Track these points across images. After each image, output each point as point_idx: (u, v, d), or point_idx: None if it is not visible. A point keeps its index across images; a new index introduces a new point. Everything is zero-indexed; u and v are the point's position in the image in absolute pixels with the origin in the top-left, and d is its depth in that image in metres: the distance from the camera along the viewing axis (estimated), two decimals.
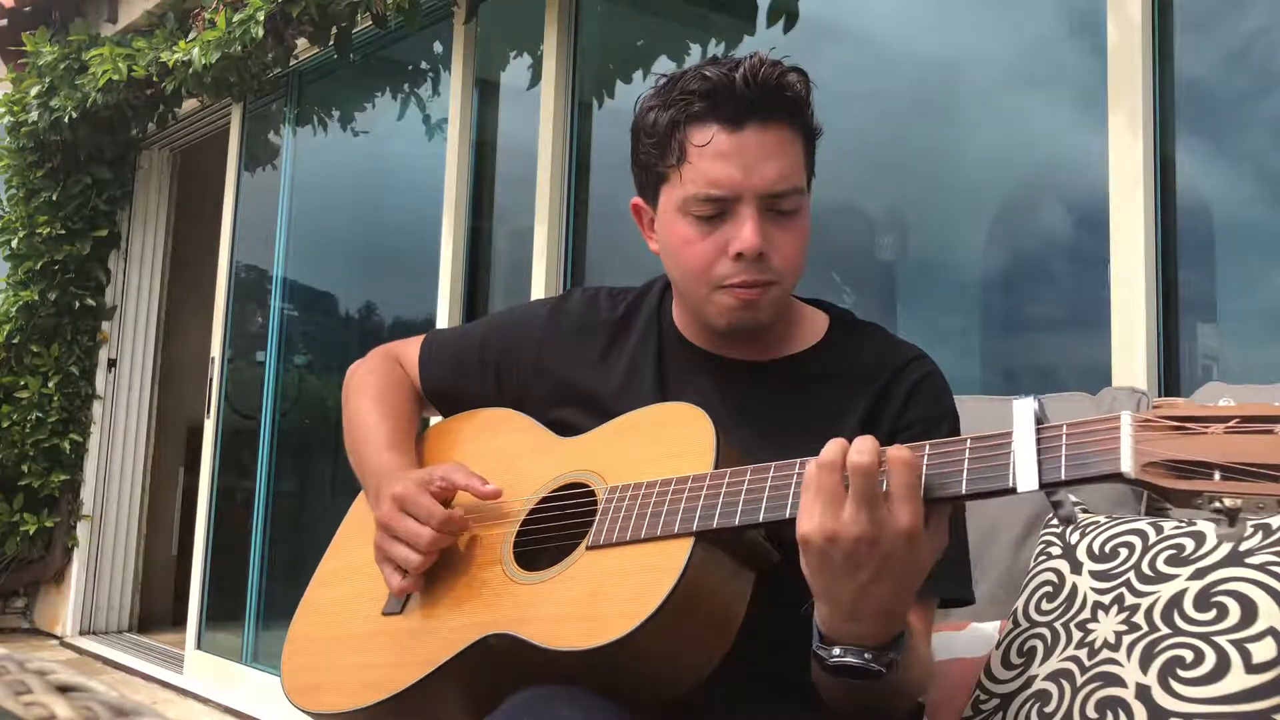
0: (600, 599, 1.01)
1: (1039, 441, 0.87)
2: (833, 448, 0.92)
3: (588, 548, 1.06)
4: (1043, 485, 0.86)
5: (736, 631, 1.01)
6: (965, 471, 0.90)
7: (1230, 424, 0.79)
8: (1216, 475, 0.78)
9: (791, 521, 0.98)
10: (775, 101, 1.12)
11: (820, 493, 0.91)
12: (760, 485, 1.00)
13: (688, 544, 0.99)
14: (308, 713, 1.18)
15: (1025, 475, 0.87)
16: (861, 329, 1.27)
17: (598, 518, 1.08)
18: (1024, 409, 0.89)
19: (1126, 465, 0.81)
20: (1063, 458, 0.85)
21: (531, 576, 1.09)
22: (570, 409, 1.26)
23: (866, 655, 0.95)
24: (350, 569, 1.27)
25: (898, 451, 0.90)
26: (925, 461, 0.91)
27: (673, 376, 1.25)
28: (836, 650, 0.95)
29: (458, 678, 1.09)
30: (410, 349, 1.43)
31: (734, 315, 1.16)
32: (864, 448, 0.90)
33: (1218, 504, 0.78)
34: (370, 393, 1.38)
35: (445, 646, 1.08)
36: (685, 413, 1.12)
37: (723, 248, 1.13)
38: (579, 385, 1.28)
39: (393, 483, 1.18)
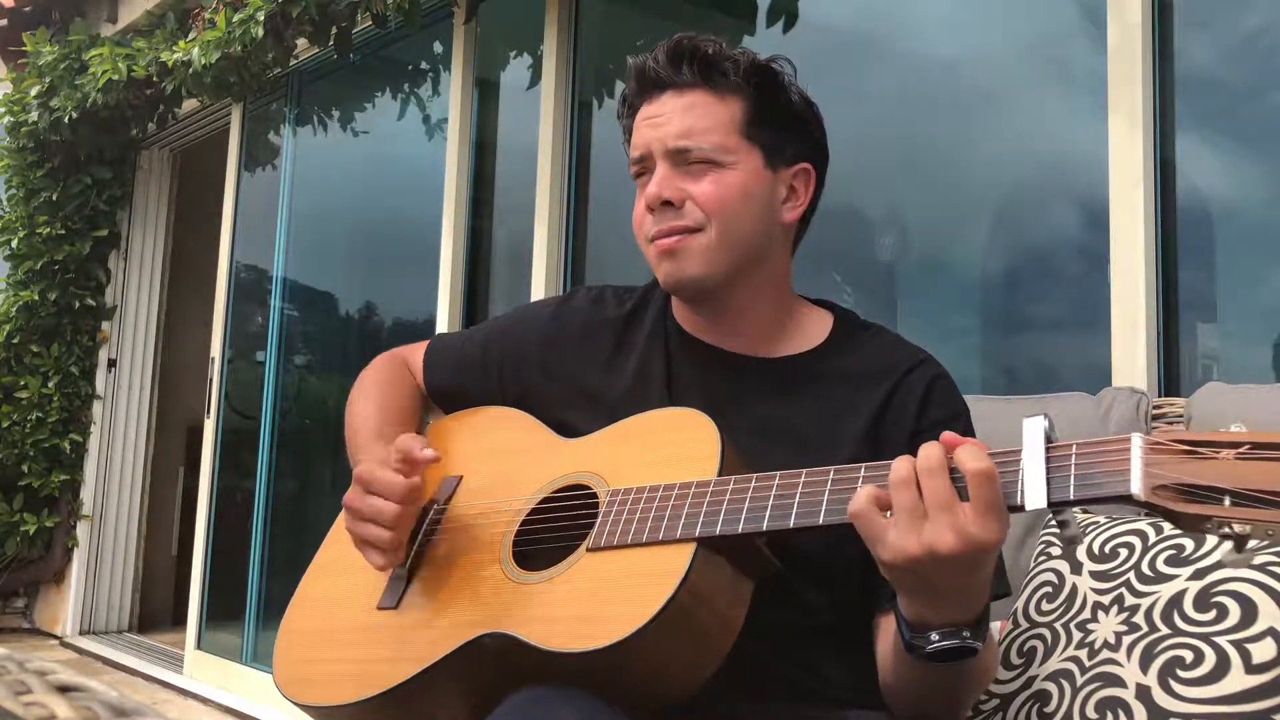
0: (599, 601, 1.01)
1: (1048, 460, 0.87)
2: (903, 464, 0.91)
3: (588, 550, 1.06)
4: (1051, 504, 0.86)
5: (735, 638, 1.00)
6: None
7: (1241, 450, 0.79)
8: (1226, 500, 0.78)
9: (795, 531, 0.97)
10: (688, 69, 1.21)
11: (902, 511, 0.90)
12: (765, 494, 1.00)
13: (689, 550, 0.99)
14: (299, 705, 1.17)
15: (1034, 493, 0.86)
16: (867, 330, 1.27)
17: (599, 520, 1.08)
18: (1034, 427, 0.88)
19: (1136, 487, 0.81)
20: (1071, 477, 0.85)
21: (530, 576, 1.08)
22: (576, 410, 1.25)
23: (965, 634, 0.95)
24: (344, 563, 1.27)
25: (975, 464, 0.88)
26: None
27: (679, 373, 1.25)
28: (934, 635, 0.95)
29: (452, 675, 1.08)
30: (416, 352, 1.44)
31: (663, 269, 1.21)
32: (931, 451, 0.91)
33: (1226, 529, 0.78)
34: (370, 391, 1.38)
35: (440, 643, 1.08)
36: (691, 418, 1.11)
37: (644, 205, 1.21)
38: (586, 386, 1.28)
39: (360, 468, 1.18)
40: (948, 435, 0.93)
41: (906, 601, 0.96)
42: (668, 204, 1.18)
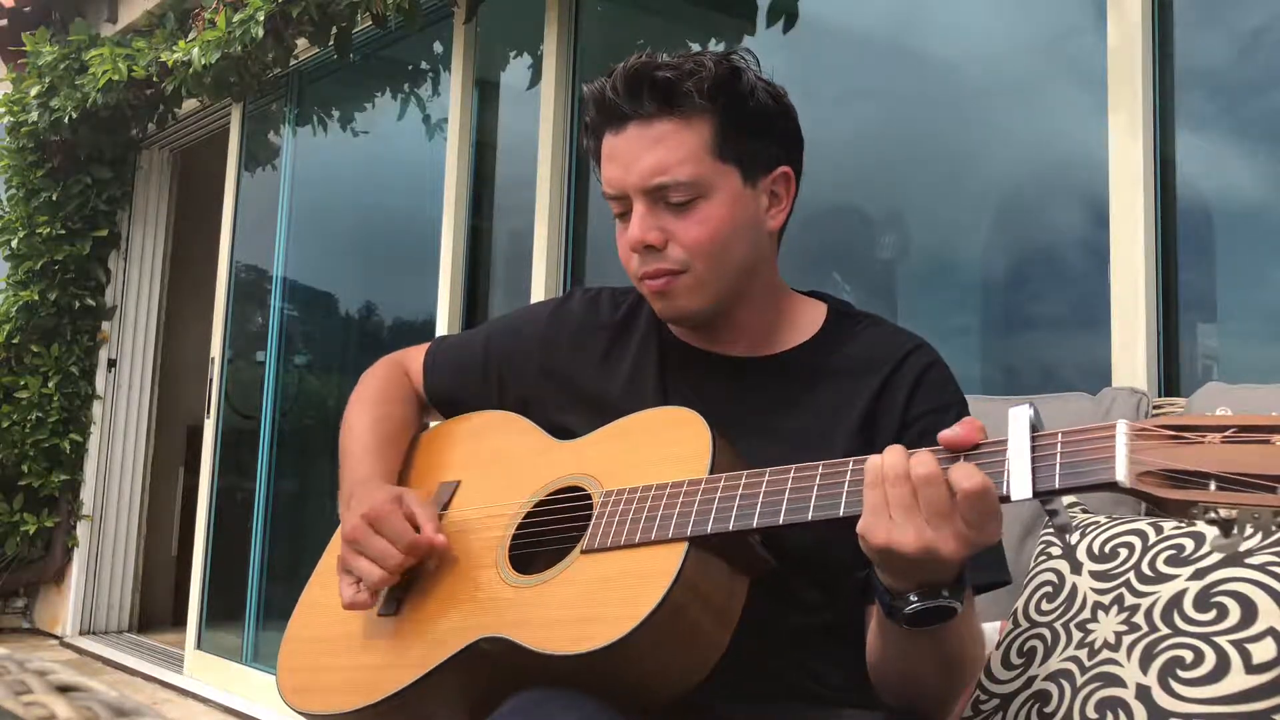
0: (594, 603, 1.01)
1: (1033, 449, 0.86)
2: (896, 458, 0.91)
3: (582, 552, 1.06)
4: (1036, 494, 0.85)
5: (731, 637, 1.00)
6: None
7: (1227, 433, 0.78)
8: (1212, 485, 0.77)
9: (786, 527, 0.98)
10: (650, 98, 1.14)
11: (898, 506, 0.90)
12: (754, 491, 1.00)
13: (682, 549, 0.99)
14: (302, 713, 1.18)
15: (1019, 484, 0.86)
16: (859, 320, 1.26)
17: (593, 521, 1.08)
18: (1019, 416, 0.88)
19: (1121, 474, 0.81)
20: (1057, 466, 0.85)
21: (526, 580, 1.08)
22: (573, 411, 1.25)
23: (944, 593, 0.95)
24: None
25: (968, 484, 0.88)
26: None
27: (674, 377, 1.25)
28: (912, 596, 0.95)
29: (451, 680, 1.08)
30: (416, 356, 1.43)
31: (657, 307, 1.20)
32: (925, 458, 0.91)
33: (1213, 514, 0.77)
34: (367, 400, 1.38)
35: (439, 649, 1.08)
36: (682, 416, 1.11)
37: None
38: (582, 387, 1.27)
39: (363, 497, 1.18)
40: (945, 435, 0.92)
41: (888, 578, 0.96)
42: (650, 247, 1.16)
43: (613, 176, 1.18)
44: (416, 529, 1.14)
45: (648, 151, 1.14)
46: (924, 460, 0.90)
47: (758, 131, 1.18)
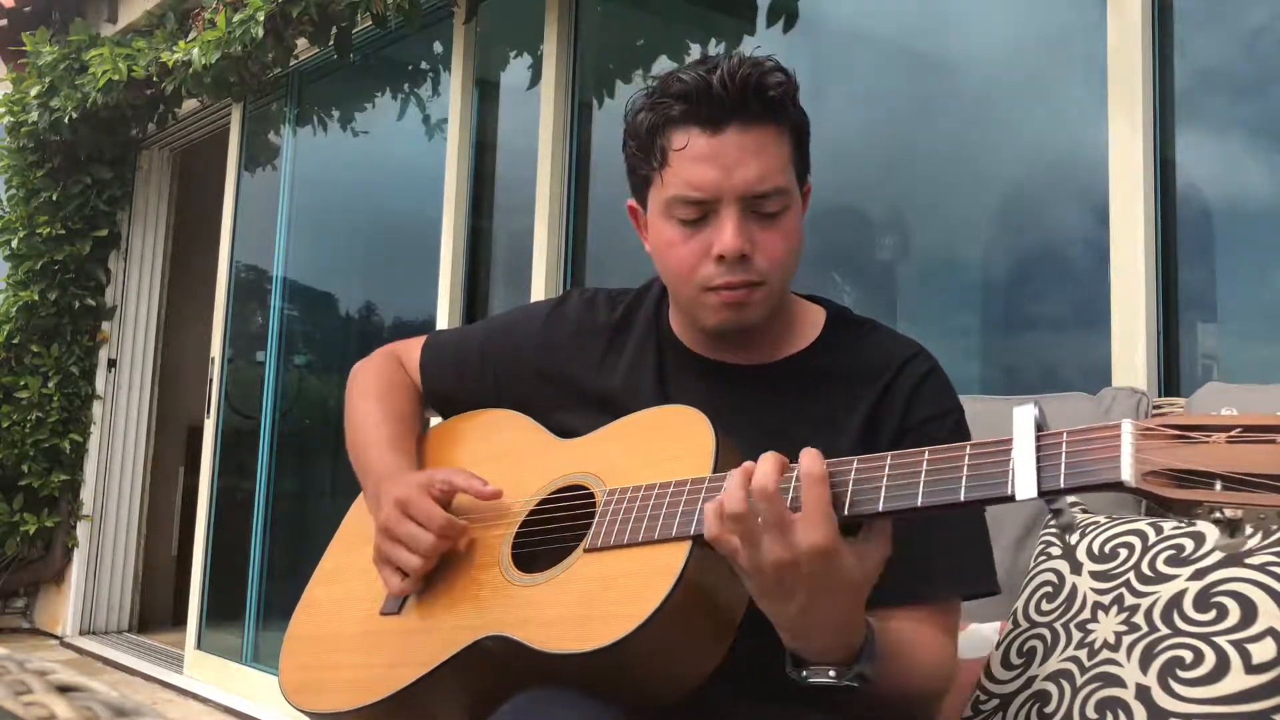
0: (597, 602, 1.01)
1: (1039, 449, 0.86)
2: (736, 497, 0.93)
3: (585, 550, 1.06)
4: (1041, 493, 0.85)
5: (734, 635, 1.01)
6: (964, 478, 0.89)
7: (1232, 433, 0.78)
8: (1218, 485, 0.77)
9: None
10: (756, 102, 1.11)
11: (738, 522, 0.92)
12: None
13: (685, 547, 0.99)
14: (304, 712, 1.18)
15: (1024, 483, 0.86)
16: (859, 326, 1.26)
17: (596, 520, 1.08)
18: (1024, 415, 0.88)
19: (1127, 474, 0.80)
20: (1062, 465, 0.84)
21: (529, 578, 1.08)
22: (571, 411, 1.25)
23: (832, 673, 0.96)
24: (349, 569, 1.27)
25: (808, 466, 0.91)
26: (888, 471, 0.92)
27: (673, 381, 1.24)
28: (805, 672, 0.97)
29: (454, 679, 1.08)
30: (412, 350, 1.43)
31: (721, 317, 1.16)
32: (766, 469, 0.92)
33: (1218, 514, 0.77)
34: (373, 394, 1.37)
35: (442, 648, 1.08)
36: (686, 416, 1.11)
37: (706, 250, 1.13)
38: (580, 387, 1.27)
39: (393, 486, 1.18)
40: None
41: (778, 631, 0.97)
42: (743, 256, 1.12)
43: (707, 179, 1.11)
44: (449, 506, 1.16)
45: (753, 157, 1.10)
46: (766, 470, 0.92)
47: (806, 145, 1.19)
